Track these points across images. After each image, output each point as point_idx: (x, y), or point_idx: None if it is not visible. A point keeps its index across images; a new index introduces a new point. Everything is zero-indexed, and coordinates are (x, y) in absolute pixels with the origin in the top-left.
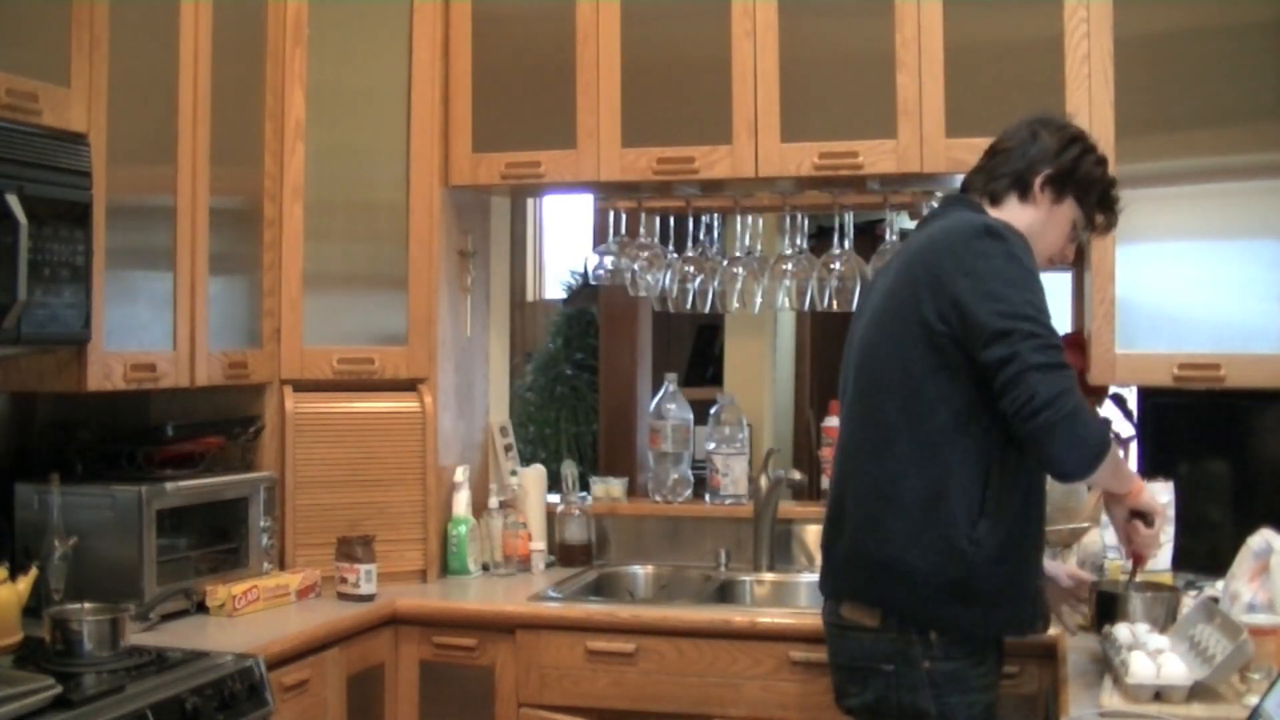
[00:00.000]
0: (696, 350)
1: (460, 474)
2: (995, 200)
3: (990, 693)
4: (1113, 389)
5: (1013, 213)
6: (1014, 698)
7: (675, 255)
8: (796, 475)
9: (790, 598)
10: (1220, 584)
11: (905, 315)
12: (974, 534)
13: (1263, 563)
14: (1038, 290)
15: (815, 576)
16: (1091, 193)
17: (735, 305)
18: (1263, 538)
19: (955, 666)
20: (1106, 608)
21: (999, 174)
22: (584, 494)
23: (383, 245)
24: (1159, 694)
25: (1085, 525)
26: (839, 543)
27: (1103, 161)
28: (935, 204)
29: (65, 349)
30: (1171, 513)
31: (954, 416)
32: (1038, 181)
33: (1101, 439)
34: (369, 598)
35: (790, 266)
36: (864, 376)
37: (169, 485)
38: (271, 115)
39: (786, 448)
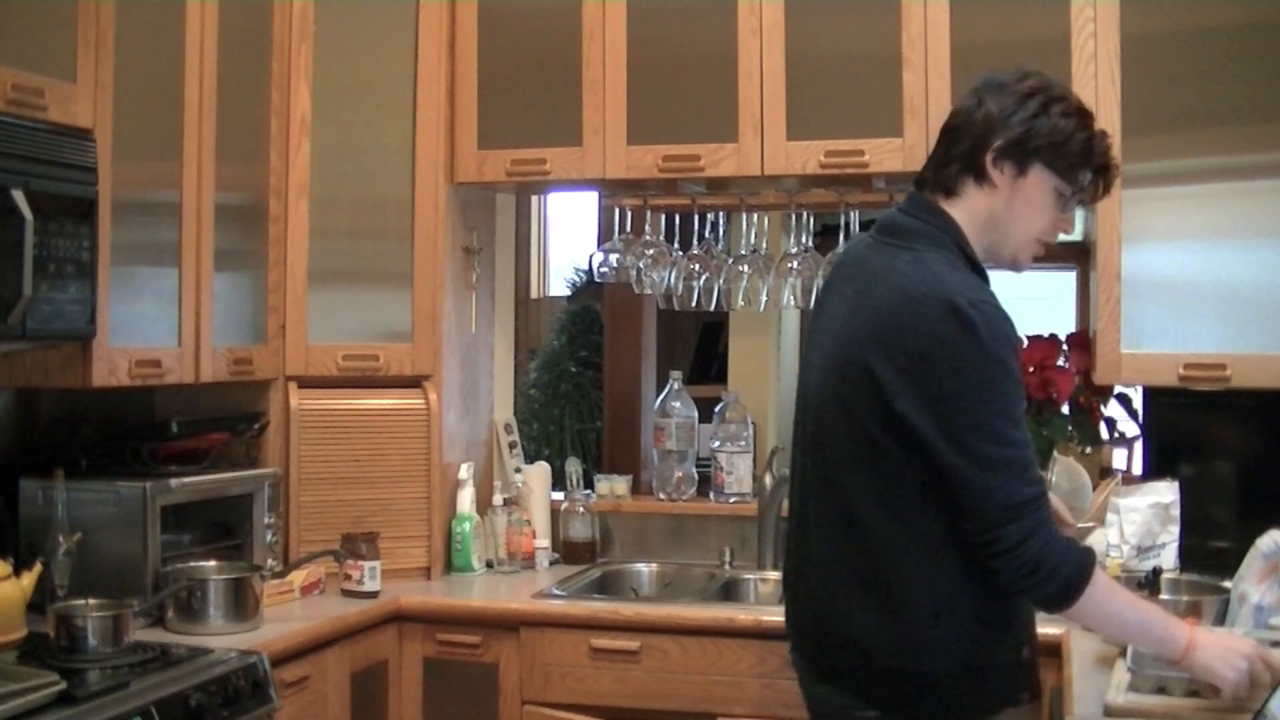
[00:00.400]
0: (701, 348)
1: (465, 471)
2: (950, 192)
3: None
4: (1118, 388)
5: (973, 203)
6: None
7: (680, 253)
8: None
9: None
10: (1227, 584)
11: (858, 376)
12: (938, 623)
13: (1272, 564)
14: (1009, 392)
15: None
16: (1065, 152)
17: (740, 303)
18: (1272, 539)
19: None
20: None
21: (948, 159)
22: (588, 491)
23: (388, 242)
24: (1162, 688)
25: (1091, 525)
26: (797, 607)
27: (1075, 112)
28: (895, 211)
29: (70, 345)
30: (1176, 512)
31: (917, 497)
32: (988, 159)
33: (1073, 574)
34: (373, 594)
35: (795, 264)
36: (818, 417)
37: (173, 481)
38: (277, 111)
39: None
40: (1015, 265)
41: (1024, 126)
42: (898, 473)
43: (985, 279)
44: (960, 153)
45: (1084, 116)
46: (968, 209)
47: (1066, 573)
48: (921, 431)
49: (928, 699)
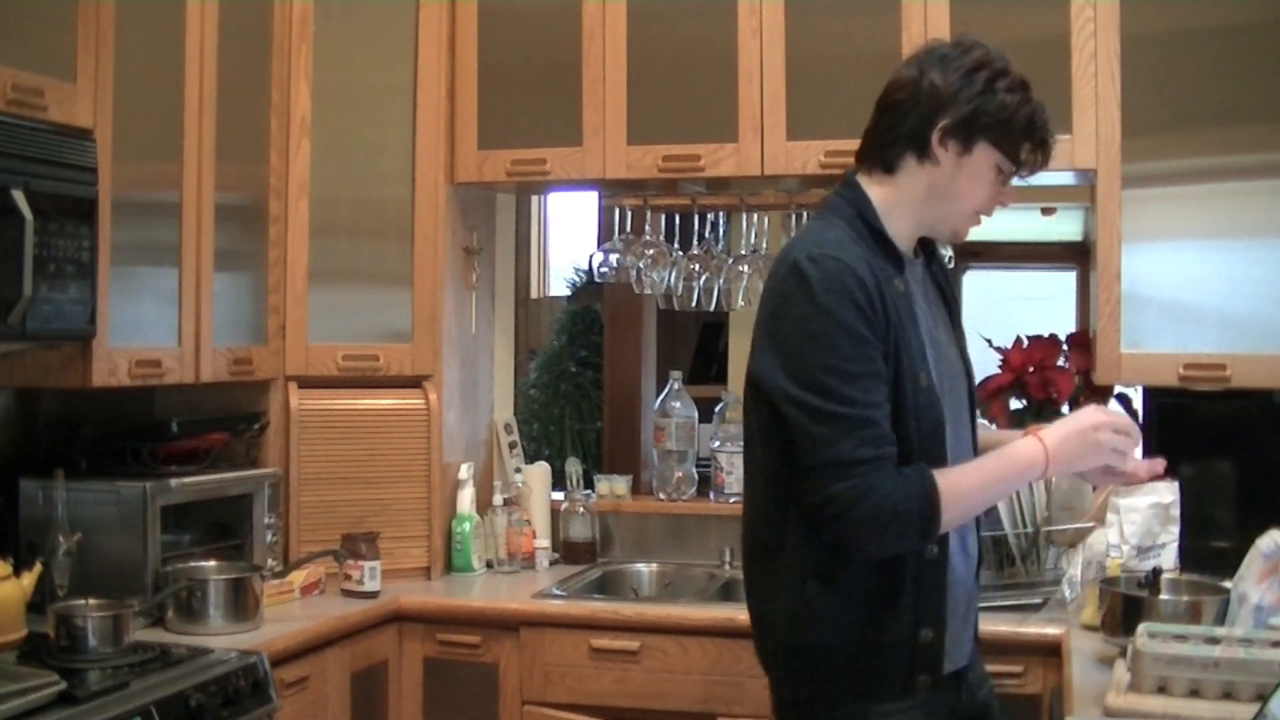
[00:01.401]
0: (701, 348)
1: (465, 471)
2: (890, 168)
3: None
4: (1118, 388)
5: (913, 178)
6: (1018, 698)
7: (680, 253)
8: None
9: None
10: (1227, 584)
11: (751, 356)
12: (806, 593)
13: (1272, 564)
14: (840, 346)
15: None
16: (1012, 129)
17: (740, 303)
18: (1272, 539)
19: (856, 710)
20: (1130, 612)
21: (892, 136)
22: (588, 491)
23: (388, 242)
24: (1162, 688)
25: (1090, 525)
26: None
27: (1018, 86)
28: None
29: (70, 345)
30: (1176, 512)
31: (781, 469)
32: (935, 137)
33: (918, 522)
34: (373, 594)
35: None
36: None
37: (174, 481)
38: (277, 111)
39: None
40: (956, 238)
41: (972, 105)
42: (771, 439)
43: (890, 248)
44: (906, 130)
45: (1025, 90)
46: (906, 184)
47: (917, 513)
48: (765, 388)
49: (818, 675)
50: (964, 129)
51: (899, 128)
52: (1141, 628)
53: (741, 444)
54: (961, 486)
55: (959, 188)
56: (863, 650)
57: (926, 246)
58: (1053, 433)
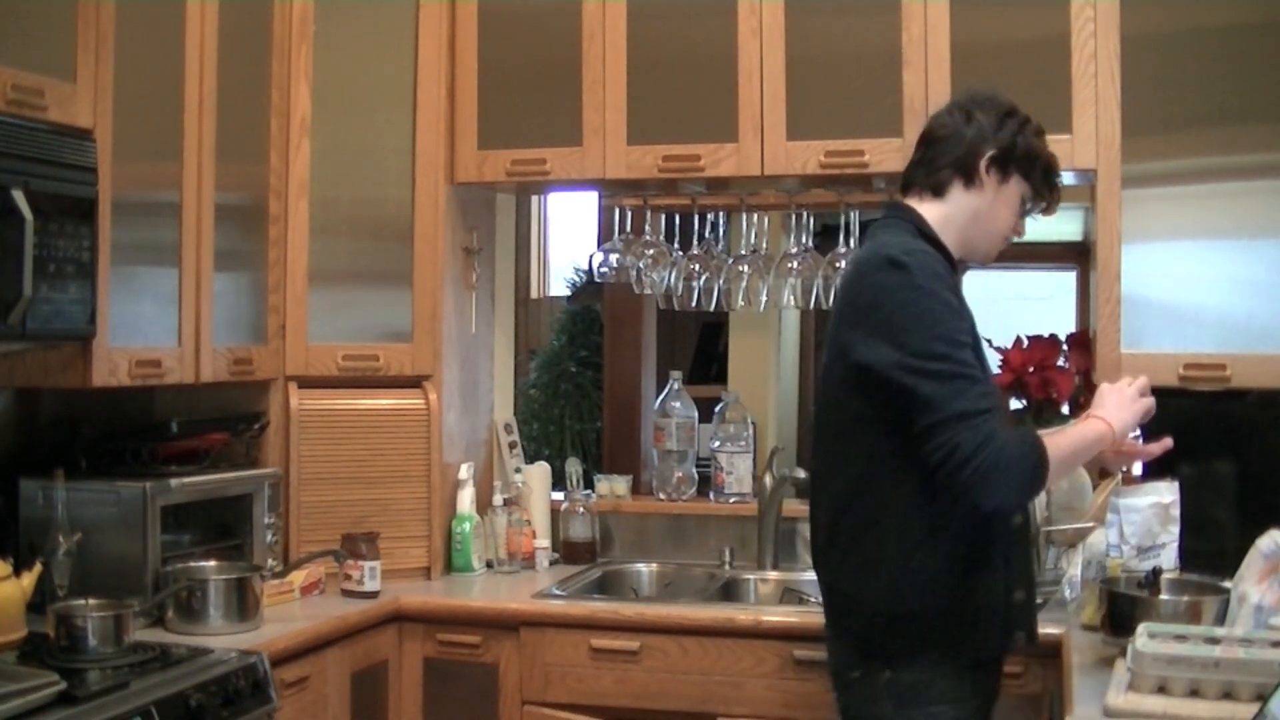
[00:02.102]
0: (701, 348)
1: (465, 471)
2: (939, 192)
3: (962, 705)
4: None
5: (958, 202)
6: (1017, 697)
7: (680, 253)
8: (801, 473)
9: (794, 596)
10: (1227, 584)
11: (834, 351)
12: (911, 563)
13: (1272, 564)
14: (946, 319)
15: None
16: (1036, 166)
17: (740, 303)
18: (1272, 539)
19: (919, 678)
20: (1130, 612)
21: (940, 164)
22: (588, 491)
23: (388, 242)
24: (1162, 688)
25: (1090, 525)
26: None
27: (1041, 132)
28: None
29: (70, 345)
30: (1176, 512)
31: (886, 448)
32: (982, 164)
33: (1034, 467)
34: (373, 595)
35: (795, 264)
36: (818, 405)
37: (174, 481)
38: (277, 111)
39: (791, 446)
40: (986, 258)
41: (1009, 140)
42: (879, 420)
43: (948, 256)
44: (953, 159)
45: (1044, 136)
46: (954, 206)
47: (1033, 458)
48: (878, 368)
49: (914, 643)
50: (1003, 160)
51: (946, 156)
52: (1141, 628)
53: (741, 444)
54: (1056, 448)
55: (997, 212)
56: (958, 617)
57: None
58: (1096, 408)
